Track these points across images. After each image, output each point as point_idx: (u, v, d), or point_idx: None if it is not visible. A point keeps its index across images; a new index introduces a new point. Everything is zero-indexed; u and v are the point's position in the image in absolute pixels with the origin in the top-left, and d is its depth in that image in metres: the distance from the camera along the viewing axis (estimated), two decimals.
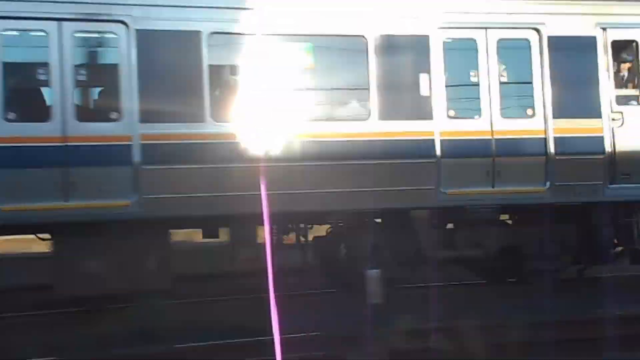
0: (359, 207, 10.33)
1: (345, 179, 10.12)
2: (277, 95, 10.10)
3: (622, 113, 11.11)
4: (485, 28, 10.87)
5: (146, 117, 9.42)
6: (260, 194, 9.29)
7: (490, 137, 10.72)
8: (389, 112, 10.37)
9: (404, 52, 10.53)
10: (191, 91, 9.73)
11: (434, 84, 10.53)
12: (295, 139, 9.97)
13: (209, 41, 9.79)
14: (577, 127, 10.92)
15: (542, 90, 10.88)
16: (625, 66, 11.39)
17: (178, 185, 9.50)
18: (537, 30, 10.98)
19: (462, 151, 10.60)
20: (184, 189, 9.50)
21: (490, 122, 10.76)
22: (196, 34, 9.75)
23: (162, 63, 9.61)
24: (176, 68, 9.65)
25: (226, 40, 10.01)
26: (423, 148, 10.44)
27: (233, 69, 10.20)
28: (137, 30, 9.47)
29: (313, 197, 10.01)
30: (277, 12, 10.16)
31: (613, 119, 11.08)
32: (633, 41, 11.34)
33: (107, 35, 9.61)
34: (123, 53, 9.47)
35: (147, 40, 9.53)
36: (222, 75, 10.14)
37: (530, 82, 10.94)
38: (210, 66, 9.83)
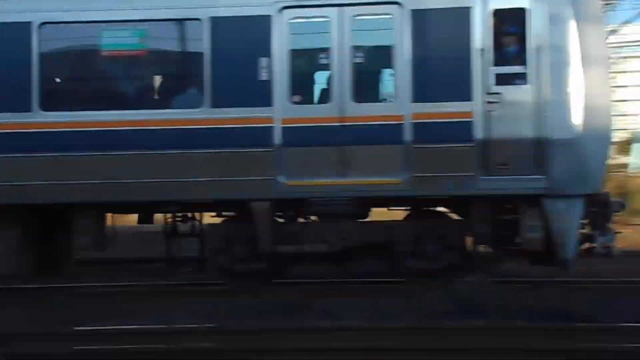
0: (194, 197, 9.96)
1: (179, 169, 9.77)
2: (106, 84, 9.97)
3: (501, 94, 9.67)
4: (340, 5, 9.92)
5: None
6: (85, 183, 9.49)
7: (339, 123, 9.81)
8: (223, 100, 9.83)
9: (242, 35, 9.90)
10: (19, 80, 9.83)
11: (275, 68, 9.81)
12: (127, 128, 9.79)
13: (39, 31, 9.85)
14: (441, 111, 9.66)
15: (402, 71, 9.76)
16: (510, 40, 9.84)
17: None
18: (400, 4, 9.83)
19: (307, 139, 9.79)
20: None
21: (340, 107, 9.83)
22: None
23: None
24: None
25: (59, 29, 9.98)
26: (260, 136, 9.79)
27: (65, 58, 10.17)
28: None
29: (145, 187, 9.78)
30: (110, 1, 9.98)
31: (489, 102, 9.65)
32: (521, 9, 9.80)
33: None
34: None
35: None
36: (53, 65, 10.11)
37: (391, 63, 9.85)
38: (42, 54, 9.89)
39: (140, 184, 9.81)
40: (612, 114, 9.75)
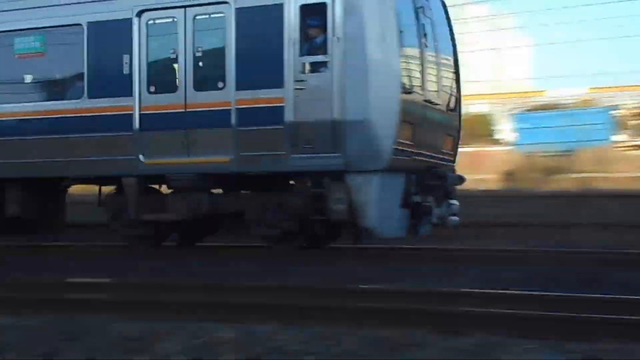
0: (80, 174, 12.30)
1: (68, 151, 12.12)
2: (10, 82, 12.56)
3: (306, 82, 10.86)
4: (184, 7, 11.59)
5: None
6: None
7: (183, 109, 11.58)
8: (97, 90, 11.99)
9: (111, 37, 11.95)
10: None
11: (135, 63, 11.75)
12: (22, 117, 12.35)
13: None
14: (259, 97, 11.07)
15: (230, 62, 11.26)
16: (314, 32, 10.90)
17: None
18: (227, 3, 11.28)
19: (161, 124, 11.69)
20: None
21: (185, 95, 11.58)
22: None
23: None
24: None
25: None
26: (123, 122, 11.83)
27: None
28: None
29: (47, 166, 12.26)
30: (14, 12, 12.47)
31: (296, 88, 10.88)
32: (322, 4, 10.82)
33: None
34: None
35: None
36: None
37: (223, 55, 11.38)
38: None
39: (44, 163, 12.31)
40: (398, 97, 10.63)
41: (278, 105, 10.97)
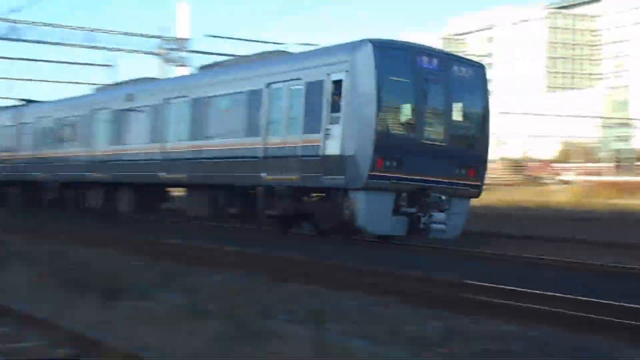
0: (235, 182, 21.28)
1: (229, 168, 21.31)
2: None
3: (330, 130, 18.09)
4: (286, 81, 19.76)
5: None
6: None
7: (283, 145, 19.30)
8: (249, 132, 20.88)
9: (255, 99, 20.72)
10: None
11: (263, 115, 20.54)
12: (221, 148, 21.95)
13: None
14: (310, 139, 18.53)
15: (301, 115, 18.90)
16: (336, 97, 18.07)
17: None
18: (301, 79, 19.17)
19: (274, 153, 19.94)
20: None
21: (282, 136, 19.58)
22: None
23: None
24: None
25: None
26: (255, 152, 20.50)
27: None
28: None
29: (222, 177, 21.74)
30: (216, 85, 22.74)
31: (325, 134, 18.21)
32: (340, 80, 17.99)
33: None
34: None
35: None
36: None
37: (300, 111, 19.00)
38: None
39: (223, 176, 21.71)
40: (372, 142, 17.11)
41: (317, 144, 18.19)
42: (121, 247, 15.38)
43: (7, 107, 36.78)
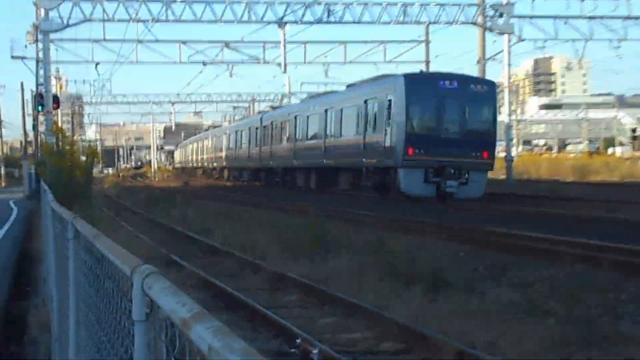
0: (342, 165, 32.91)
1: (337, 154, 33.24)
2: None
3: (387, 130, 28.12)
4: (365, 100, 30.52)
5: None
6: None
7: (362, 142, 29.88)
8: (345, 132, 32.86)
9: (348, 113, 32.25)
10: None
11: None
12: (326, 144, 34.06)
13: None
14: (376, 137, 28.54)
15: (371, 121, 29.88)
16: (389, 110, 28.18)
17: None
18: (376, 98, 29.44)
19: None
20: None
21: (363, 137, 29.89)
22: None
23: None
24: None
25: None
26: (358, 146, 30.75)
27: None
28: None
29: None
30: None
31: (384, 134, 28.12)
32: (390, 99, 28.08)
33: None
34: None
35: None
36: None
37: (369, 118, 30.15)
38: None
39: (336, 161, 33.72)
40: (404, 136, 27.30)
41: (381, 140, 28.27)
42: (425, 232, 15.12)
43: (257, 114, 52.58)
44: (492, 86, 29.00)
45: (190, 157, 77.78)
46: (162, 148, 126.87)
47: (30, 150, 49.74)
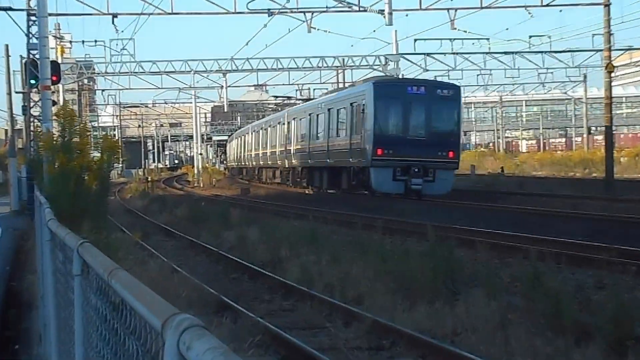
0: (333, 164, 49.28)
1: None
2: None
3: (362, 132, 44.15)
4: (351, 104, 46.97)
5: None
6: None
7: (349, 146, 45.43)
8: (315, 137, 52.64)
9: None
10: None
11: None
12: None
13: None
14: (355, 140, 44.09)
15: (349, 125, 46.88)
16: (363, 114, 44.74)
17: None
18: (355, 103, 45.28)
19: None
20: None
21: (349, 138, 45.29)
22: None
23: None
24: None
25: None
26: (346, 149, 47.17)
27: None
28: None
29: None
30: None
31: (362, 135, 44.01)
32: (365, 104, 44.31)
33: None
34: None
35: None
36: None
37: (349, 123, 46.56)
38: None
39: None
40: (372, 137, 43.24)
41: (360, 142, 43.94)
42: None
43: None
44: (457, 90, 44.25)
45: (250, 153, 78.75)
46: (209, 139, 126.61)
47: (20, 144, 50.36)
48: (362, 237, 20.67)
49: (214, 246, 23.13)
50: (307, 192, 54.52)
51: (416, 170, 41.59)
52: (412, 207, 33.62)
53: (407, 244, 18.91)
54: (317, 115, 55.15)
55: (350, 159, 45.33)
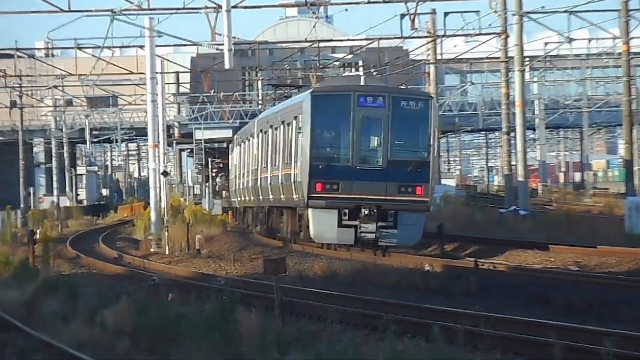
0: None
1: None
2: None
3: (297, 161, 34.26)
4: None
5: None
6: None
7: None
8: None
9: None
10: None
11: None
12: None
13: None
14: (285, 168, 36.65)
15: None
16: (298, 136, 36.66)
17: None
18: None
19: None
20: None
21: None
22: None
23: None
24: None
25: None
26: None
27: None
28: None
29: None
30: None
31: (295, 162, 35.12)
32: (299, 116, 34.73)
33: None
34: None
35: None
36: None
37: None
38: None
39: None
40: (308, 167, 32.16)
41: (291, 173, 34.50)
42: None
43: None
44: (427, 102, 32.51)
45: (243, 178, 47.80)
46: (184, 137, 71.96)
47: None
48: None
49: None
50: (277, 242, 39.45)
51: (368, 212, 30.79)
52: None
53: None
54: (258, 135, 41.55)
55: (282, 197, 34.62)
